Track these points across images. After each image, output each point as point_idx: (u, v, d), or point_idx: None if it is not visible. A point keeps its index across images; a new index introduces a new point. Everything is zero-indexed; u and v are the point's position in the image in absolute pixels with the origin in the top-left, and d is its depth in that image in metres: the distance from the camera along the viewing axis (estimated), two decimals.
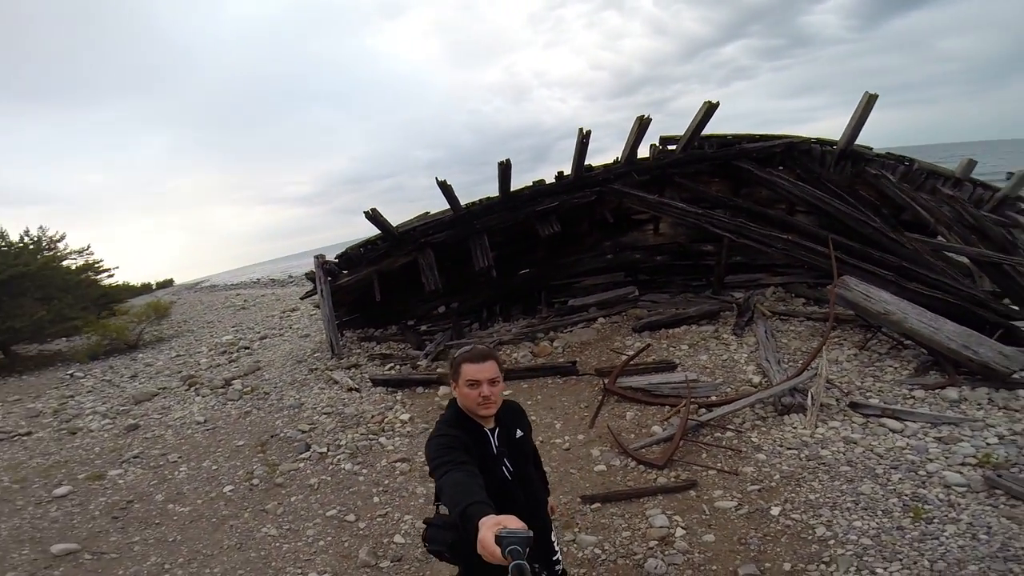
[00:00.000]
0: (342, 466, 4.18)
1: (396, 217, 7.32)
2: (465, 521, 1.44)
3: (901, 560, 2.52)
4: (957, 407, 3.98)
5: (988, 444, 3.45)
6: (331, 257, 8.03)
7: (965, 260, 5.99)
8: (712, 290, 7.11)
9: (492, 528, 1.25)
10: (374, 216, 6.66)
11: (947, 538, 2.64)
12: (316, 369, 6.85)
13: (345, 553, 3.13)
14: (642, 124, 6.04)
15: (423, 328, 7.76)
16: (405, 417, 4.97)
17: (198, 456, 4.79)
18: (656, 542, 2.87)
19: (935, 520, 2.79)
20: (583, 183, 6.61)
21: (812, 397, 4.15)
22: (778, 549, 2.73)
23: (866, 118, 5.97)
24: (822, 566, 2.57)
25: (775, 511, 3.04)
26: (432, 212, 7.65)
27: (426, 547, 2.12)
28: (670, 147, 6.68)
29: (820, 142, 6.45)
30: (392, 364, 6.63)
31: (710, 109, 5.91)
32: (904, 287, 5.21)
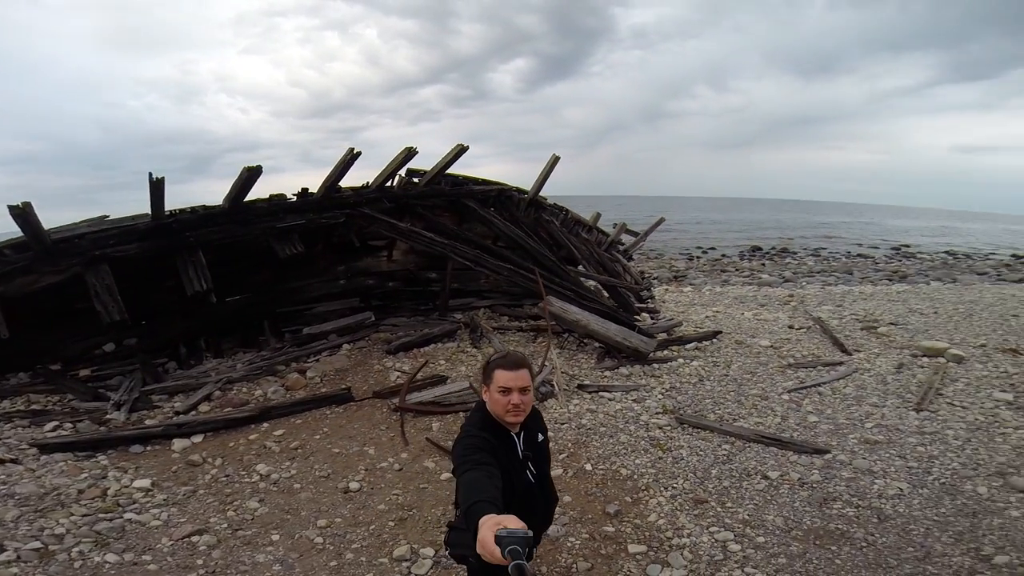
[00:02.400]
0: (100, 559, 2.77)
1: None
2: (468, 519, 1.48)
3: (679, 476, 3.74)
4: (630, 379, 5.86)
5: (659, 399, 5.31)
6: None
7: (594, 284, 8.70)
8: (439, 313, 7.83)
9: (492, 528, 1.27)
10: (23, 214, 4.49)
11: (687, 458, 4.03)
12: None
13: None
14: (409, 154, 6.31)
15: (84, 373, 5.53)
16: (143, 484, 3.60)
17: None
18: None
19: (673, 449, 4.19)
20: (334, 203, 6.29)
21: (556, 385, 5.36)
22: (613, 490, 3.56)
23: (550, 173, 8.02)
24: (646, 492, 3.53)
25: (588, 467, 3.89)
26: (99, 217, 5.67)
27: (448, 552, 2.13)
28: (414, 179, 7.14)
29: (518, 190, 8.19)
30: (56, 423, 4.53)
31: (460, 151, 6.73)
32: (580, 302, 7.21)
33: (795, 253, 20.44)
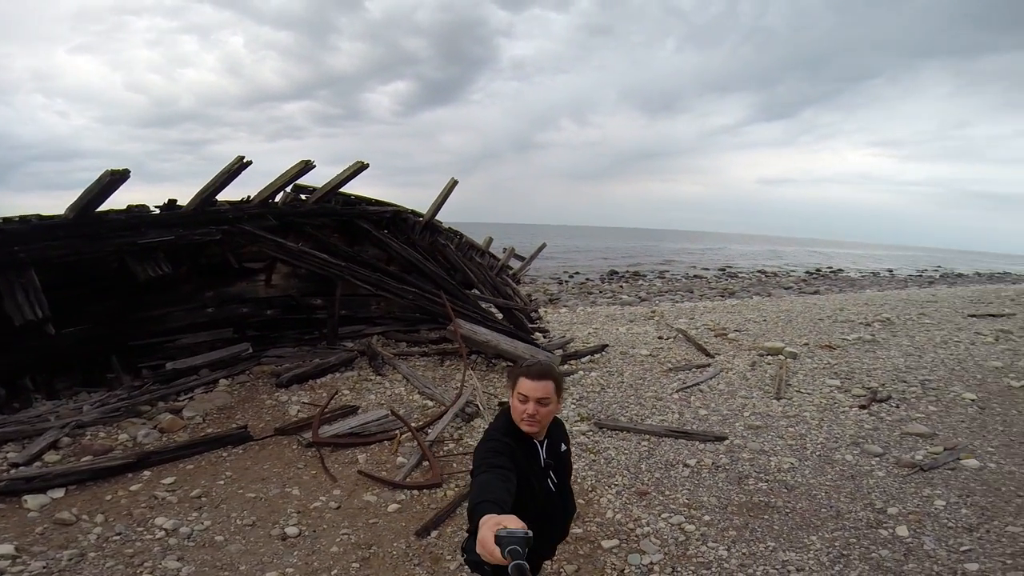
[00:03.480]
0: None
1: None
2: (470, 519, 1.51)
3: (616, 474, 3.98)
4: None
5: (574, 408, 5.54)
6: None
7: (488, 306, 8.82)
8: (327, 342, 7.23)
9: (492, 528, 1.26)
10: None
11: (616, 457, 4.27)
12: None
13: None
14: (307, 166, 5.78)
15: None
16: (3, 551, 2.75)
17: None
18: None
19: (601, 451, 4.40)
20: (210, 218, 5.49)
21: (480, 405, 5.31)
22: None
23: (447, 197, 7.98)
24: (594, 492, 3.69)
25: None
26: None
27: (463, 558, 2.12)
28: (302, 196, 6.55)
29: (414, 213, 8.01)
30: None
31: (359, 169, 6.35)
32: (485, 324, 7.25)
33: (645, 276, 23.15)
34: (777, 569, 2.92)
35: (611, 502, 3.55)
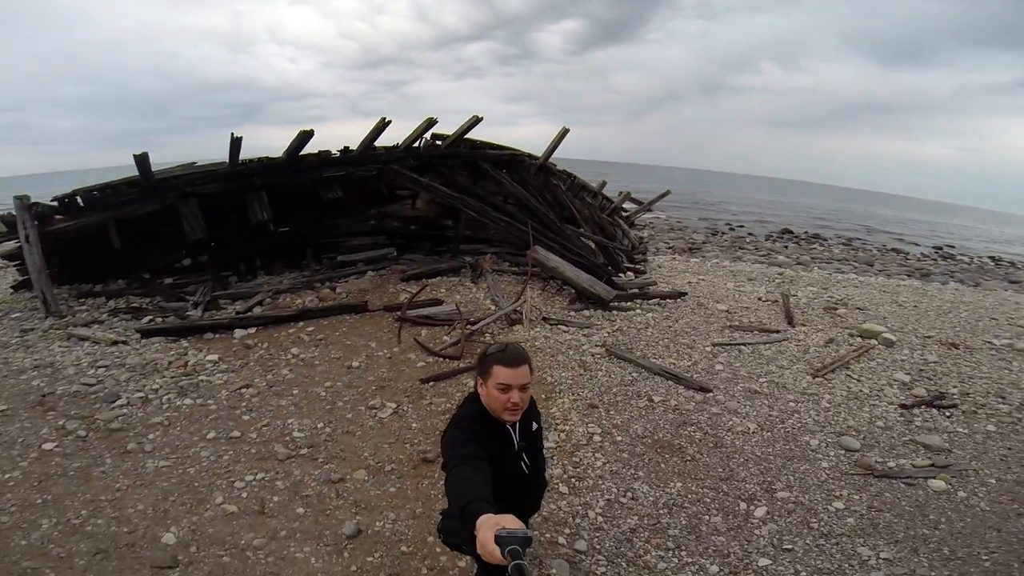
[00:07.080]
0: (180, 402, 4.50)
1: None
2: (464, 519, 1.51)
3: (587, 387, 5.00)
4: (589, 319, 7.00)
5: (604, 336, 6.46)
6: None
7: (591, 244, 9.85)
8: (451, 254, 9.31)
9: (491, 528, 1.30)
10: (143, 161, 6.35)
11: (600, 378, 5.23)
12: (33, 330, 6.07)
13: (260, 455, 3.77)
14: (430, 123, 7.68)
15: (168, 281, 7.47)
16: (212, 358, 5.38)
17: None
18: None
19: (593, 371, 5.40)
20: (369, 159, 7.79)
21: (524, 315, 6.72)
22: (535, 391, 4.99)
23: (559, 143, 9.13)
24: (558, 394, 4.81)
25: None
26: (190, 163, 7.48)
27: (441, 538, 2.23)
28: (437, 142, 8.50)
29: (530, 156, 9.37)
30: (150, 317, 6.42)
31: (475, 122, 8.01)
32: (565, 255, 8.42)
33: (827, 240, 20.01)
34: (622, 490, 3.47)
35: (562, 404, 4.67)
